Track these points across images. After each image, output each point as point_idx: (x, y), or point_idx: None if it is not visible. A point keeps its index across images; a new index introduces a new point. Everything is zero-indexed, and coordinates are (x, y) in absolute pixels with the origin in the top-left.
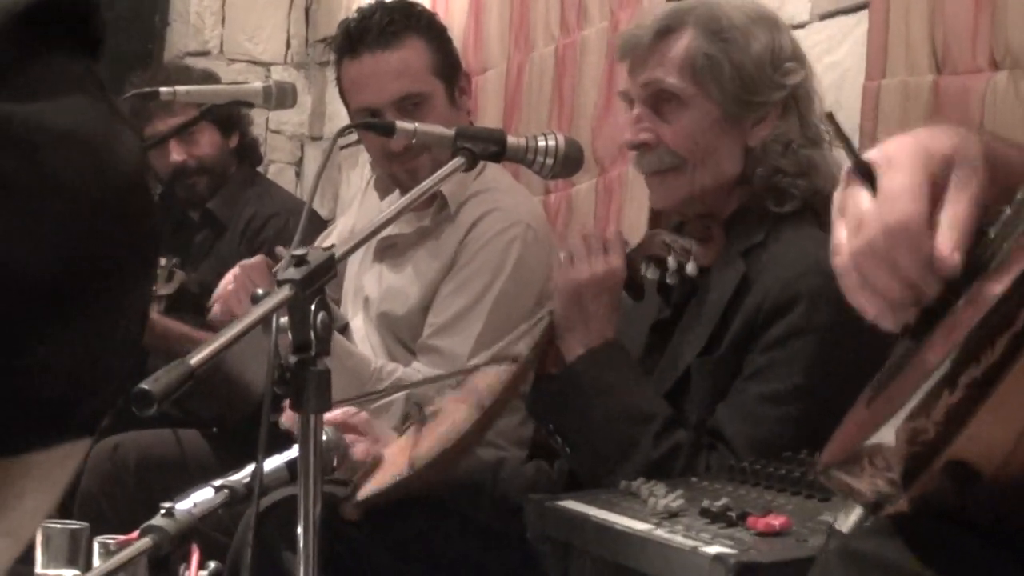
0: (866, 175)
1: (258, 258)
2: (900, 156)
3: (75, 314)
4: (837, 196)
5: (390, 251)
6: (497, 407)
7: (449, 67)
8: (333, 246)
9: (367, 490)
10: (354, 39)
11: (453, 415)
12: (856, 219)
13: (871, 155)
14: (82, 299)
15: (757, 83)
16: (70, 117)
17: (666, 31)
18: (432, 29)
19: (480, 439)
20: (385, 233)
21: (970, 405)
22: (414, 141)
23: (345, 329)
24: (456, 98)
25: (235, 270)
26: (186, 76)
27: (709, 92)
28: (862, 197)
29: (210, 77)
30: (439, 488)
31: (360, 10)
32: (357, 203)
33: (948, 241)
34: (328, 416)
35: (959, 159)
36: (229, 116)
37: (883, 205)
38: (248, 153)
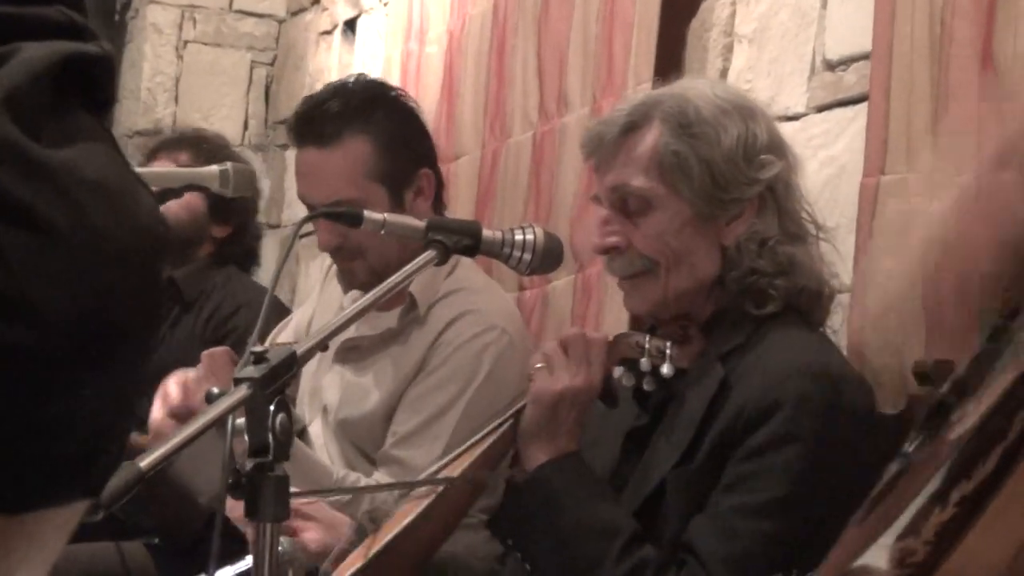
0: None
1: (222, 348)
2: None
3: (98, 366)
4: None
5: (352, 353)
6: (449, 502)
7: (396, 170)
8: (295, 343)
9: None
10: (298, 127)
11: (402, 515)
12: None
13: None
14: (108, 351)
15: (729, 179)
16: (98, 167)
17: (632, 127)
18: (385, 125)
19: (438, 538)
20: (348, 334)
21: (961, 522)
22: (383, 232)
23: (303, 433)
24: (407, 201)
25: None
26: (195, 144)
27: (678, 191)
28: None
29: (222, 150)
30: None
31: (323, 90)
32: (316, 293)
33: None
34: None
35: None
36: (225, 205)
37: None
38: (234, 252)
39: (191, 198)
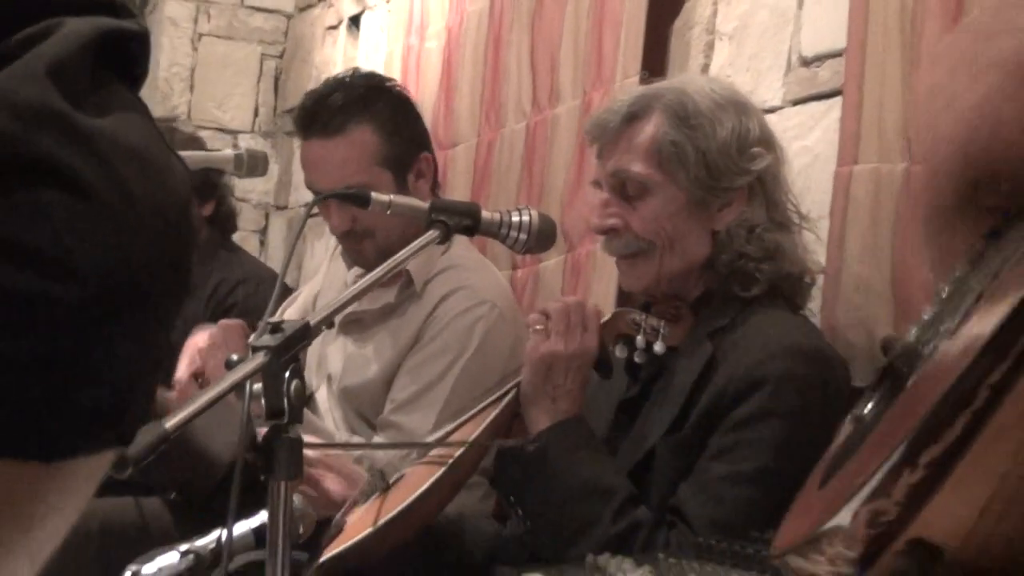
0: None
1: (236, 320)
2: None
3: (132, 321)
4: None
5: (354, 326)
6: (458, 470)
7: (399, 155)
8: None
9: (329, 554)
10: (304, 121)
11: (416, 478)
12: None
13: None
14: (140, 308)
15: (722, 169)
16: (134, 135)
17: (633, 117)
18: (386, 113)
19: (443, 501)
20: (350, 307)
21: (931, 483)
22: (388, 212)
23: (310, 399)
24: (410, 184)
25: (212, 329)
26: (169, 139)
27: (675, 178)
28: None
29: (195, 141)
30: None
31: (324, 85)
32: (323, 270)
33: None
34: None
35: None
36: (205, 183)
37: None
38: (222, 222)
39: None
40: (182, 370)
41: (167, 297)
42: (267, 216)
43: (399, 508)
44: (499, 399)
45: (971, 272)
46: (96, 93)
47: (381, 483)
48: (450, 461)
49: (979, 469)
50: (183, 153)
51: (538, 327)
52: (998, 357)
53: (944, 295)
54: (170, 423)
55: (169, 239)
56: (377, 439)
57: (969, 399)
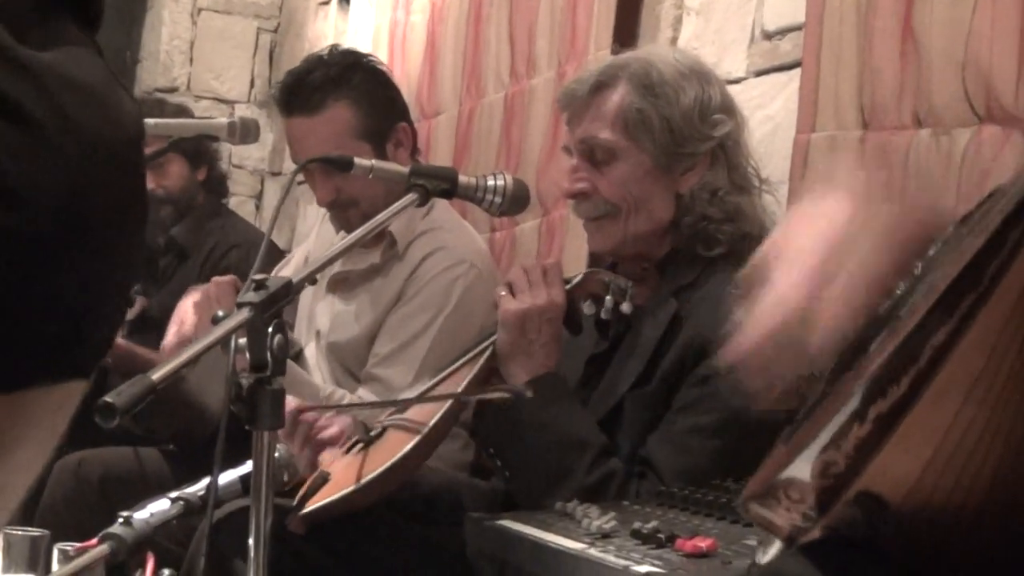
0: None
1: (229, 276)
2: (793, 248)
3: (82, 249)
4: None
5: (342, 284)
6: (438, 431)
7: (377, 127)
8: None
9: (314, 504)
10: (284, 99)
11: (398, 439)
12: (752, 315)
13: (771, 242)
14: (89, 235)
15: (686, 135)
16: (81, 69)
17: (601, 86)
18: (362, 88)
19: (423, 459)
20: (337, 268)
21: (878, 438)
22: (371, 176)
23: (299, 355)
24: (389, 153)
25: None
26: (159, 110)
27: (640, 144)
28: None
29: (183, 111)
30: (404, 502)
31: (303, 64)
32: (314, 235)
33: (816, 343)
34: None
35: (853, 241)
36: (198, 150)
37: (766, 308)
38: (215, 186)
39: (175, 167)
40: (171, 335)
41: (118, 228)
42: (262, 182)
43: (381, 469)
44: (477, 356)
45: (940, 251)
46: (42, 29)
47: (364, 435)
48: (429, 425)
49: (923, 426)
50: (180, 121)
51: (502, 293)
52: (943, 319)
53: (917, 272)
54: (156, 375)
55: (118, 171)
56: (360, 391)
57: (914, 358)
